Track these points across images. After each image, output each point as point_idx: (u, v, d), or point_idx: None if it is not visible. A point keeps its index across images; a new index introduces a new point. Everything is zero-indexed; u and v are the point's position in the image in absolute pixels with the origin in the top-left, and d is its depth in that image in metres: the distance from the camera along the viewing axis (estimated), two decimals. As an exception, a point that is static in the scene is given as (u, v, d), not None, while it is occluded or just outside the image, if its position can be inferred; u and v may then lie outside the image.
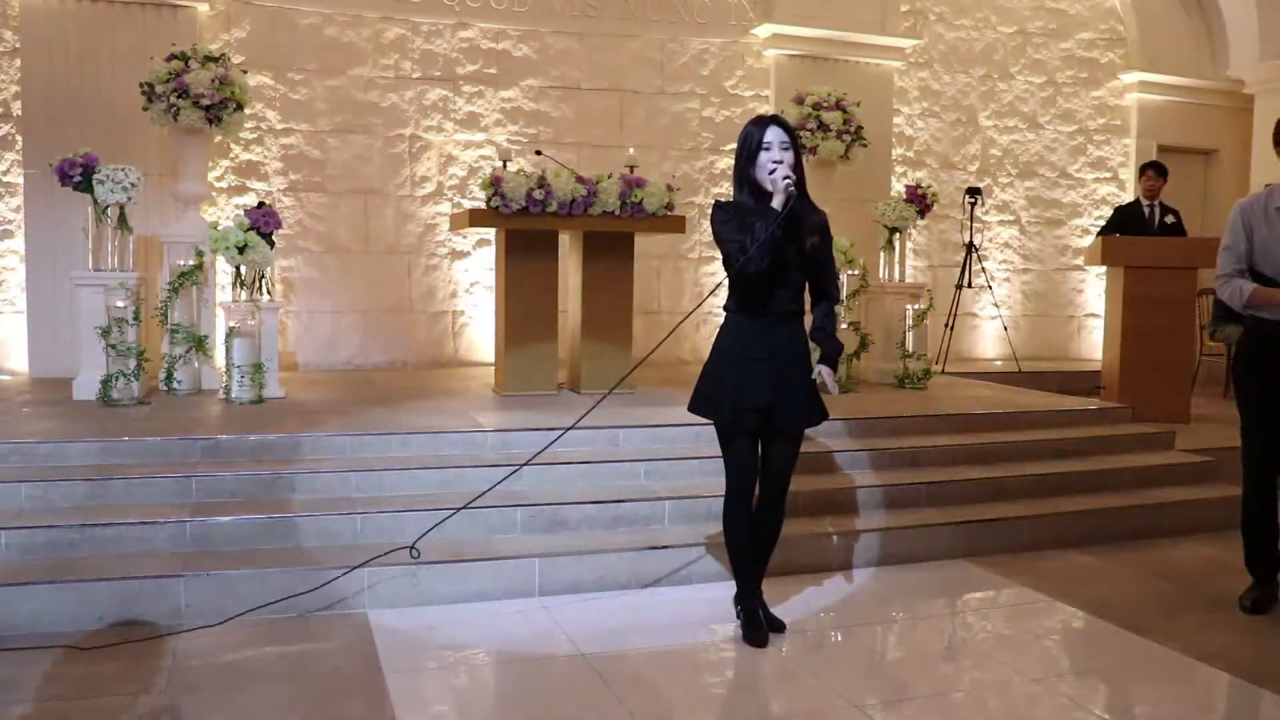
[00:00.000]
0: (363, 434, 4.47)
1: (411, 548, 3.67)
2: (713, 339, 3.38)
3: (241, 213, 5.63)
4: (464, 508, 3.85)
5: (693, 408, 3.36)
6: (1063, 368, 8.60)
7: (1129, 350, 6.65)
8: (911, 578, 4.19)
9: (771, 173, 3.15)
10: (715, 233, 3.25)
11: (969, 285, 8.44)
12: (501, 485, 4.16)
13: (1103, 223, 7.66)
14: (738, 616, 3.49)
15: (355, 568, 3.58)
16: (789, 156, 3.17)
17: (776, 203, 3.13)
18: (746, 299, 3.24)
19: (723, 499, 3.44)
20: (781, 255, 3.16)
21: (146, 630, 3.35)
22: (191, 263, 5.72)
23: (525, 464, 4.04)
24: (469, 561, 3.76)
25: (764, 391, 3.22)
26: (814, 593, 3.96)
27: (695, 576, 3.98)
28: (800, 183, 3.18)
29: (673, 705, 2.98)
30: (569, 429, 4.01)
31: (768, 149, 3.17)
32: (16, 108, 6.60)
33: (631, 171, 5.88)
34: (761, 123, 3.23)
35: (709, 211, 8.31)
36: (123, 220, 5.53)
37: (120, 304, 5.36)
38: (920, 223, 7.47)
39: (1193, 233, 7.63)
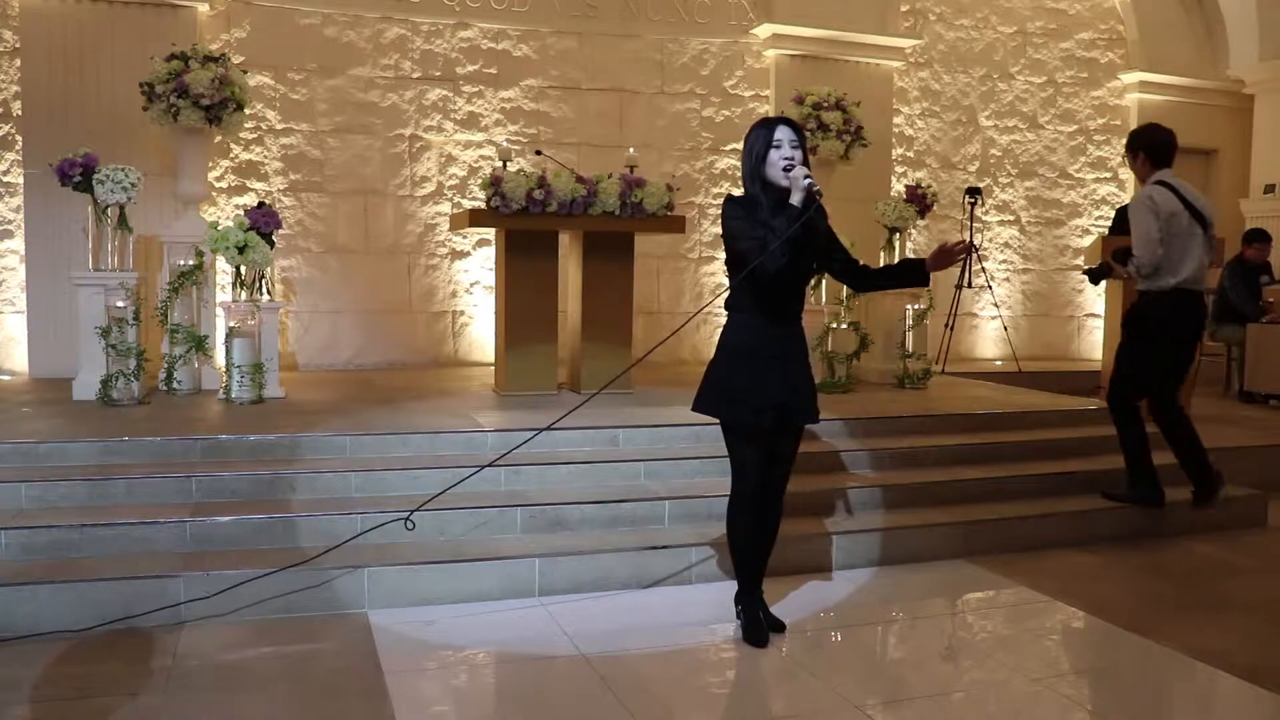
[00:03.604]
0: (363, 434, 4.47)
1: (407, 518, 3.67)
2: (714, 339, 3.38)
3: (241, 213, 5.63)
4: (421, 508, 3.85)
5: (703, 408, 3.33)
6: (1063, 368, 8.61)
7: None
8: (911, 578, 4.19)
9: (786, 170, 3.14)
10: (728, 229, 3.23)
11: (969, 285, 8.44)
12: (502, 485, 4.18)
13: (1104, 223, 7.68)
14: (738, 616, 3.49)
15: (348, 540, 3.58)
16: (800, 155, 3.17)
17: (795, 199, 3.12)
18: (757, 298, 3.23)
19: (723, 499, 3.44)
20: (798, 258, 3.16)
21: (146, 631, 3.34)
22: (191, 263, 5.73)
23: (489, 464, 4.05)
24: (469, 561, 3.75)
25: (779, 389, 3.23)
26: (814, 593, 3.96)
27: (695, 576, 3.98)
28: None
29: (673, 705, 2.97)
30: (544, 430, 4.03)
31: (778, 146, 3.17)
32: (16, 108, 6.60)
33: (631, 171, 5.88)
34: (769, 123, 3.23)
35: (709, 211, 8.31)
36: (123, 220, 5.53)
37: (120, 304, 5.37)
38: (920, 223, 7.47)
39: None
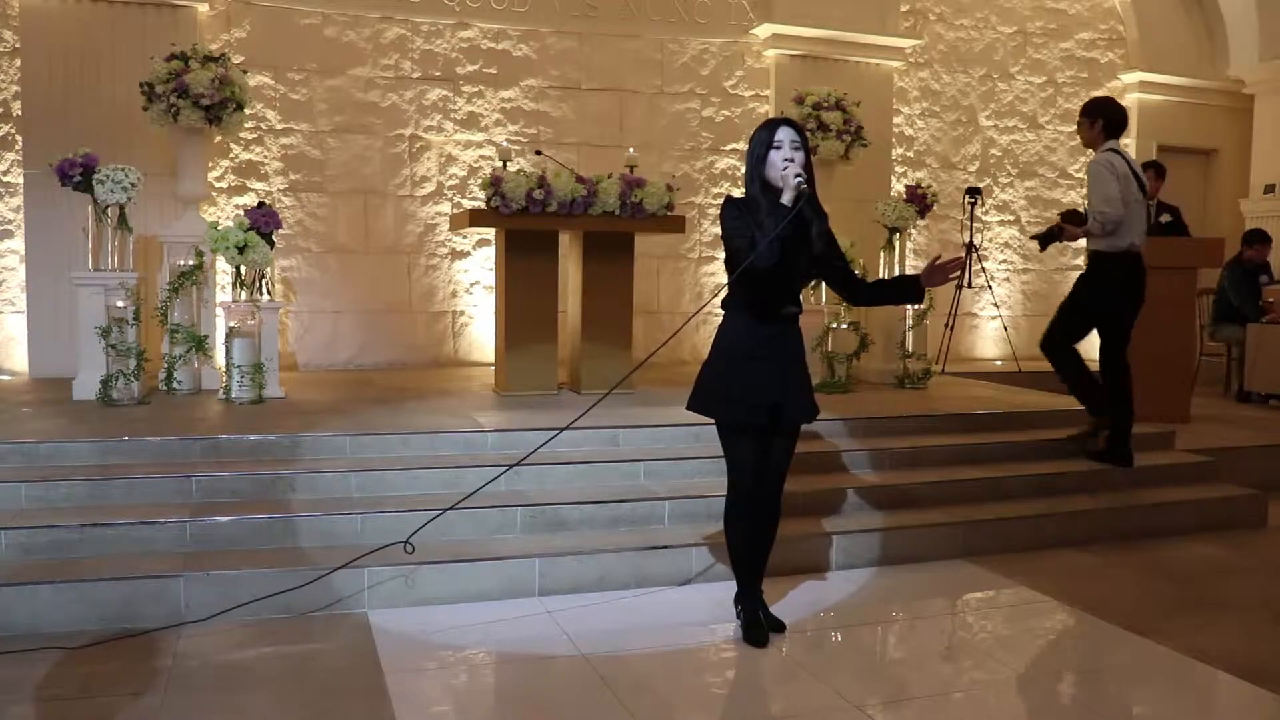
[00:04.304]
0: (363, 434, 4.47)
1: (406, 543, 3.66)
2: (713, 339, 3.38)
3: (241, 213, 5.63)
4: (456, 506, 3.85)
5: (697, 407, 3.35)
6: (1063, 368, 8.59)
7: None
8: (911, 578, 4.19)
9: (783, 170, 3.16)
10: (723, 228, 3.25)
11: (969, 285, 8.44)
12: (502, 485, 4.16)
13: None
14: (738, 616, 3.50)
15: (350, 563, 3.58)
16: (800, 156, 3.18)
17: (786, 198, 3.14)
18: (750, 298, 3.24)
19: (723, 499, 3.44)
20: (791, 259, 3.17)
21: (146, 631, 3.34)
22: (191, 263, 5.73)
23: (516, 464, 4.03)
24: (469, 561, 3.76)
25: (771, 389, 3.23)
26: (814, 593, 3.96)
27: (695, 576, 3.98)
28: (810, 183, 3.19)
29: (673, 705, 2.98)
30: (562, 430, 4.01)
31: (778, 148, 3.19)
32: (16, 108, 6.60)
33: (631, 171, 5.88)
34: (772, 124, 3.26)
35: (709, 211, 8.31)
36: (123, 220, 5.53)
37: (120, 304, 5.37)
38: (920, 223, 7.47)
39: (1193, 233, 7.64)
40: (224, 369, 5.52)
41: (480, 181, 5.96)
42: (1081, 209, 5.53)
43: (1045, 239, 5.40)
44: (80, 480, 3.92)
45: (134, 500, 3.91)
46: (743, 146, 7.68)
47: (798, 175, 3.13)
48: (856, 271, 6.29)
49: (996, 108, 9.13)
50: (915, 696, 3.06)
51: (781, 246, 3.11)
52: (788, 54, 8.10)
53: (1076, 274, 9.35)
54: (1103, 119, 5.11)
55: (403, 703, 2.89)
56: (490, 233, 7.21)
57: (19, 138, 6.59)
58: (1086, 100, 5.34)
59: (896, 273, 6.96)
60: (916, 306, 6.77)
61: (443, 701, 3.00)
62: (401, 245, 7.50)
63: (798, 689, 3.08)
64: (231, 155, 7.09)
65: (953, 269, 3.29)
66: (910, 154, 8.89)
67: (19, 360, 6.66)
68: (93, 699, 2.87)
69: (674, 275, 8.16)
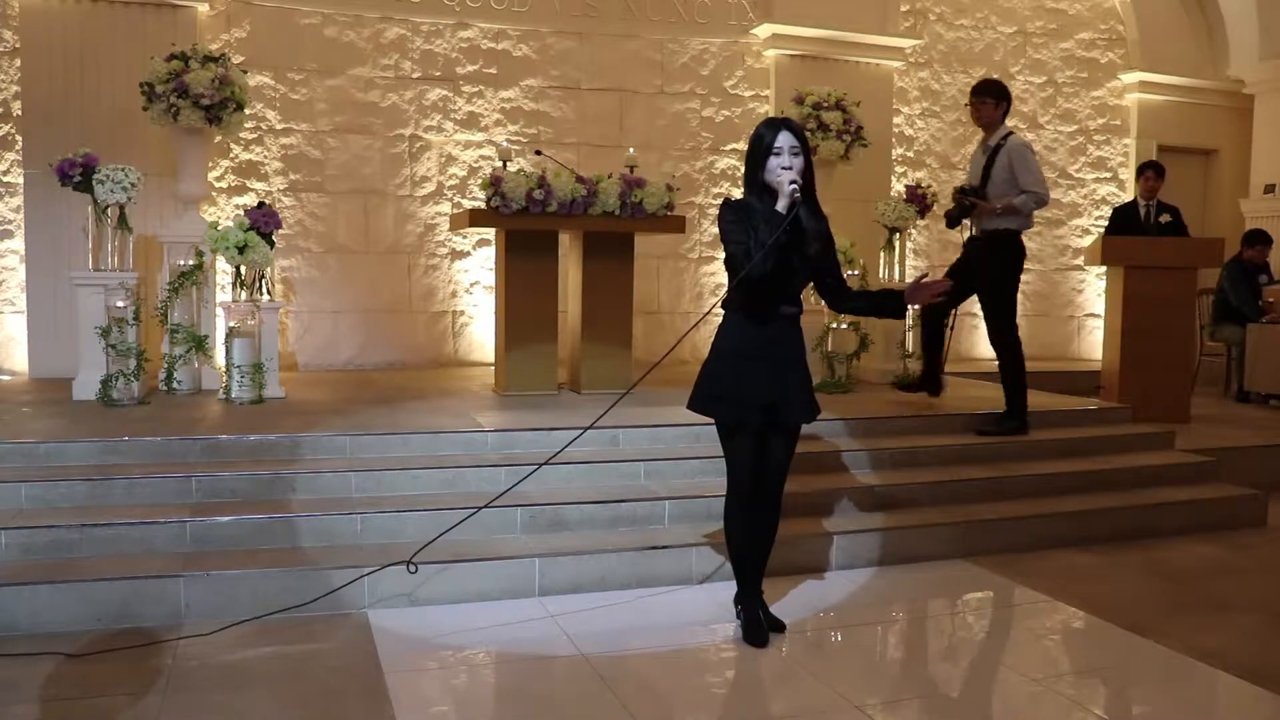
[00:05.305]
0: (363, 434, 4.47)
1: (409, 562, 3.60)
2: (713, 339, 3.39)
3: (241, 213, 5.63)
4: (489, 505, 3.85)
5: (695, 406, 3.36)
6: (1063, 368, 8.60)
7: (1129, 350, 6.65)
8: (911, 578, 4.19)
9: (778, 179, 3.16)
10: (720, 232, 3.26)
11: (969, 285, 8.42)
12: (502, 485, 4.16)
13: (1104, 223, 7.70)
14: (738, 616, 3.50)
15: (351, 581, 3.57)
16: (798, 162, 3.18)
17: (781, 206, 3.13)
18: (747, 300, 3.25)
19: (723, 499, 3.45)
20: (785, 260, 3.17)
21: (146, 631, 3.34)
22: (191, 263, 5.73)
23: (544, 464, 4.00)
24: (469, 562, 3.76)
25: (767, 389, 3.23)
26: (814, 593, 3.96)
27: (695, 577, 3.98)
28: (808, 187, 3.19)
29: (673, 705, 2.98)
30: (586, 429, 3.97)
31: (777, 153, 3.18)
32: (16, 108, 6.60)
33: (631, 171, 5.88)
34: (773, 126, 3.24)
35: (709, 211, 8.32)
36: (123, 220, 5.52)
37: (120, 304, 5.36)
38: (920, 223, 7.47)
39: (1193, 233, 7.64)
40: (224, 369, 5.52)
41: (480, 181, 5.96)
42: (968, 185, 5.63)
43: (958, 215, 5.51)
44: (80, 480, 3.92)
45: (134, 500, 3.91)
46: (743, 146, 7.68)
47: (793, 183, 3.13)
48: (855, 272, 6.38)
49: (996, 108, 9.12)
50: (915, 696, 3.06)
51: (777, 254, 3.10)
52: (788, 54, 8.10)
53: (1077, 274, 9.47)
54: (1007, 102, 5.36)
55: (403, 703, 2.89)
56: (490, 233, 7.20)
57: (19, 138, 6.59)
58: (982, 80, 5.51)
59: (896, 273, 6.97)
60: (916, 307, 6.76)
61: (443, 702, 3.00)
62: (401, 245, 7.50)
63: (798, 689, 3.08)
64: (231, 155, 7.09)
65: (937, 289, 3.30)
66: (910, 154, 8.89)
67: (19, 360, 6.66)
68: (93, 699, 2.87)
69: (674, 275, 8.16)
